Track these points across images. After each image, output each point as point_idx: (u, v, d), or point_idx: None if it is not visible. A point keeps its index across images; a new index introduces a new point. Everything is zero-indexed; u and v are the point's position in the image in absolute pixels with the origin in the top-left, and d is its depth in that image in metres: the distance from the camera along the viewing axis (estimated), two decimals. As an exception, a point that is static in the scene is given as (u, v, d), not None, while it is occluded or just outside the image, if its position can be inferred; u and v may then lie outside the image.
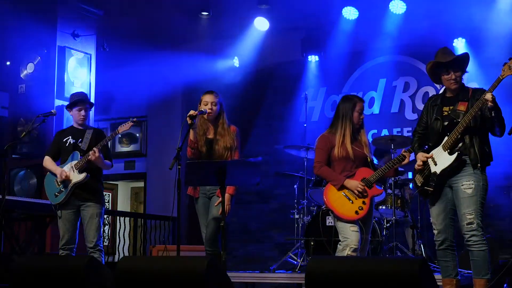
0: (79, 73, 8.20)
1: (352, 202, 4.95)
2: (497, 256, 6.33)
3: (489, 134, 4.59)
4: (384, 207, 6.92)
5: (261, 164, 4.86)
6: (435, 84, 5.21)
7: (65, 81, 8.02)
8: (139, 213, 11.50)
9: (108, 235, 11.04)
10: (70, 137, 5.78)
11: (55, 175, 5.68)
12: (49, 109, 6.64)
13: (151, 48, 9.05)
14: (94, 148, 5.56)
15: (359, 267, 3.36)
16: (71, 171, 5.61)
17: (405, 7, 8.52)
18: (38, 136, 7.89)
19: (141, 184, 11.42)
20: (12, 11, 7.94)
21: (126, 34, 8.59)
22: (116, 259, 9.56)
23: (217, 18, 8.94)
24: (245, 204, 9.52)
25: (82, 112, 5.77)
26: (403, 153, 4.95)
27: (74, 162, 5.63)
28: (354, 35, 8.94)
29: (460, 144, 4.52)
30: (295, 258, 7.15)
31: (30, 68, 8.19)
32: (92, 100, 7.91)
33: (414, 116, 8.77)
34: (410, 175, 7.28)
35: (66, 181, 5.59)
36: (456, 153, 4.50)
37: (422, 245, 6.77)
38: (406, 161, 4.96)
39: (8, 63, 8.39)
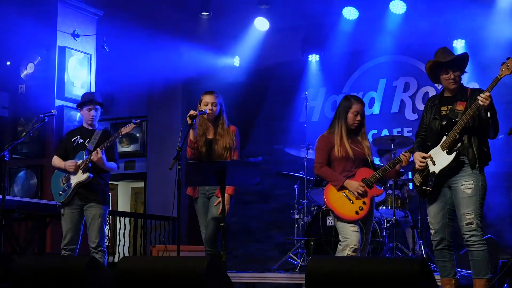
0: (79, 73, 8.20)
1: (353, 202, 4.95)
2: (497, 256, 6.32)
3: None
4: (384, 207, 6.93)
5: (261, 164, 4.86)
6: (435, 84, 5.21)
7: (65, 81, 8.02)
8: (139, 213, 11.50)
9: (108, 235, 11.03)
10: (79, 136, 5.82)
11: (63, 172, 5.70)
12: (49, 109, 6.65)
13: (151, 48, 9.05)
14: (98, 149, 5.57)
15: (359, 267, 3.36)
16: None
17: (405, 7, 8.52)
18: (38, 136, 7.89)
19: (141, 184, 11.42)
20: (12, 11, 7.93)
21: (126, 34, 8.58)
22: (116, 259, 9.55)
23: (217, 18, 8.94)
24: (245, 204, 9.52)
25: (92, 112, 5.80)
26: (404, 154, 4.94)
27: (79, 161, 5.65)
28: (354, 35, 8.94)
29: (459, 145, 4.52)
30: (295, 258, 7.15)
31: (30, 68, 8.19)
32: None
33: (414, 116, 8.77)
34: (410, 175, 7.28)
35: (70, 179, 5.61)
36: (455, 153, 4.50)
37: (422, 245, 6.78)
38: (404, 163, 4.94)
39: (8, 63, 8.38)
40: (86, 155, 5.65)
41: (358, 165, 5.05)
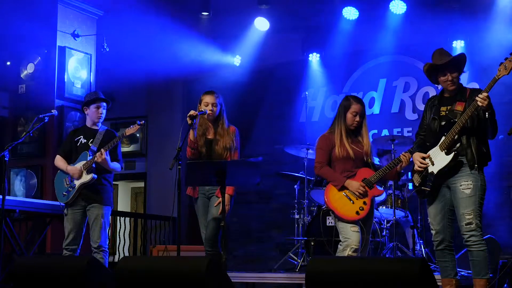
0: (79, 73, 8.20)
1: (353, 203, 4.95)
2: (497, 256, 6.32)
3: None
4: (384, 207, 6.93)
5: (261, 164, 4.86)
6: (435, 85, 5.23)
7: (65, 81, 8.02)
8: (139, 213, 11.50)
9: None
10: (82, 136, 5.79)
11: (65, 173, 5.69)
12: (49, 109, 6.65)
13: (151, 48, 9.04)
14: (102, 150, 5.55)
15: (359, 267, 3.36)
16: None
17: (405, 7, 8.52)
18: (38, 136, 7.90)
19: (141, 184, 11.42)
20: (12, 11, 7.93)
21: (126, 34, 8.58)
22: (116, 259, 9.55)
23: (217, 18, 8.94)
24: (245, 204, 9.51)
25: (100, 110, 5.78)
26: (404, 154, 4.94)
27: (83, 162, 5.64)
28: (354, 35, 8.94)
29: (458, 145, 4.52)
30: (295, 258, 7.15)
31: (30, 68, 8.19)
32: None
33: (415, 116, 8.77)
34: (410, 175, 7.28)
35: (74, 180, 5.61)
36: (453, 153, 4.50)
37: (422, 245, 6.78)
38: (404, 163, 4.94)
39: (8, 63, 8.39)
40: (90, 156, 5.63)
41: (359, 165, 5.05)
